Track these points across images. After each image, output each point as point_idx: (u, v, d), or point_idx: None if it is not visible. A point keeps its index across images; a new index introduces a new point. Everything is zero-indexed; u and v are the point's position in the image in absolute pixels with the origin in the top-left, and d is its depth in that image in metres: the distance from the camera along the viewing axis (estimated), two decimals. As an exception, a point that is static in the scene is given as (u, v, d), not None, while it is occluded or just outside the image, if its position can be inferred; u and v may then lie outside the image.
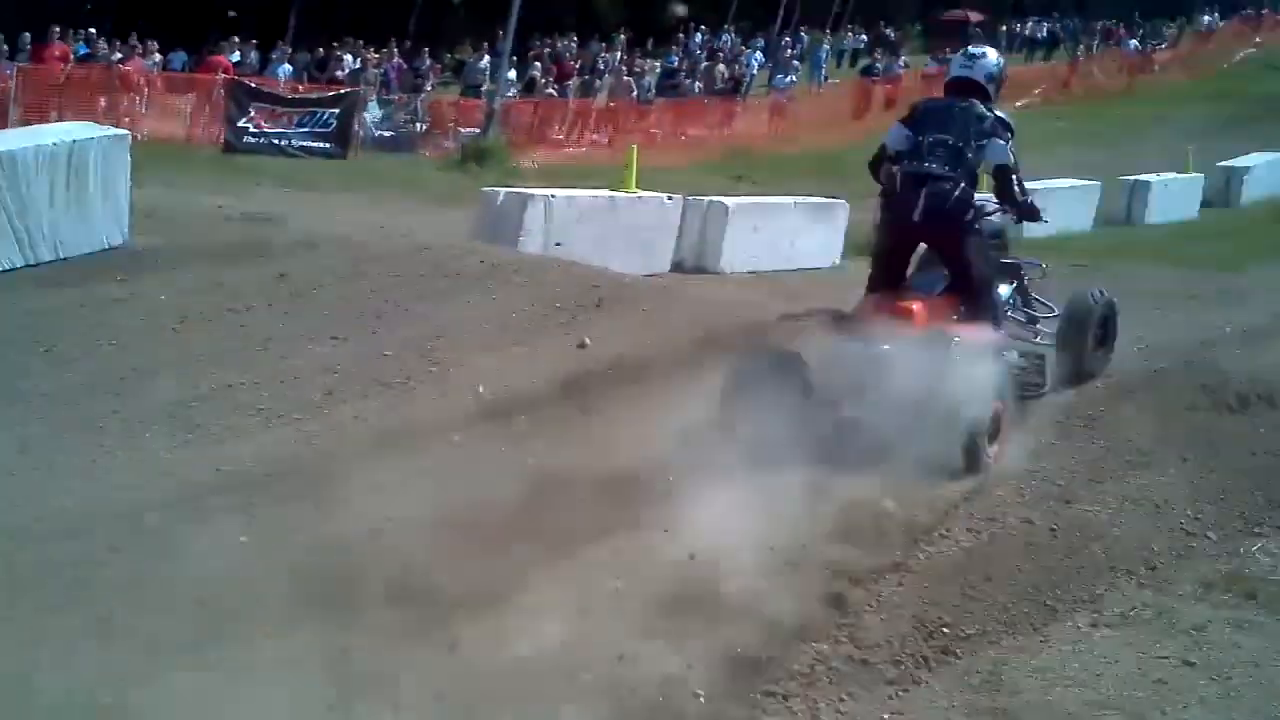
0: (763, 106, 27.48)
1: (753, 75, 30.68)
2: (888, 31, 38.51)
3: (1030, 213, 6.02)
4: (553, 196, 10.63)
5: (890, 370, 5.03)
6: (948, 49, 36.75)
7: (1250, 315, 9.40)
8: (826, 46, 34.29)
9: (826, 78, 32.15)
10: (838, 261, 12.72)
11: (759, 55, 32.18)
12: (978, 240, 5.70)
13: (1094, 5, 46.59)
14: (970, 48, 6.38)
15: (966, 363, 5.16)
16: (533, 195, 10.55)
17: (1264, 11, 46.13)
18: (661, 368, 6.17)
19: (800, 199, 13.44)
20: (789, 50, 32.71)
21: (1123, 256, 13.50)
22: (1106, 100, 30.89)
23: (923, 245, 5.85)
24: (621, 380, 6.14)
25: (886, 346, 5.19)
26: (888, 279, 5.81)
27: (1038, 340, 6.47)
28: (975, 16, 44.73)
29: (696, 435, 5.02)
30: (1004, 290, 6.16)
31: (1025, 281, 6.56)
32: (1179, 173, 18.76)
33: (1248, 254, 13.85)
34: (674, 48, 31.57)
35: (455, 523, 4.13)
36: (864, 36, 37.57)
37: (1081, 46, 39.31)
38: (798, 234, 12.61)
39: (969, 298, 5.68)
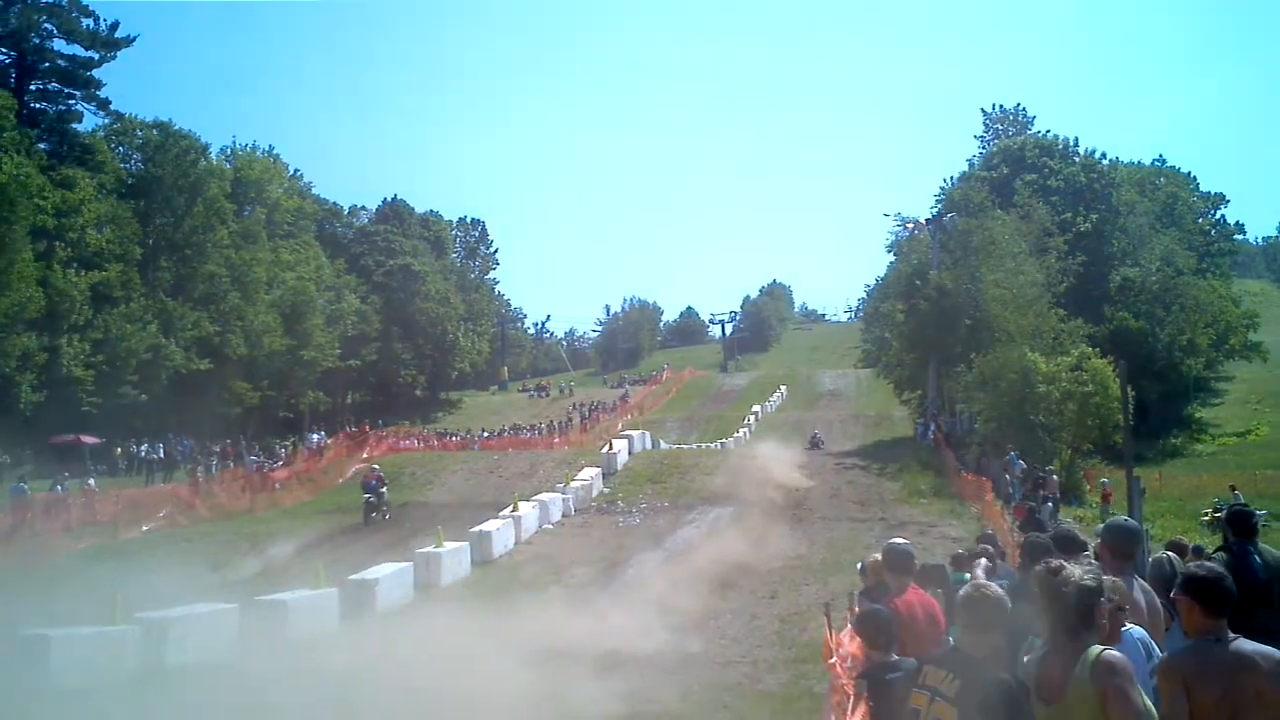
0: None
1: None
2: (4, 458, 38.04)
3: None
4: None
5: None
6: (66, 474, 37.37)
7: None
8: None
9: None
10: None
11: None
12: None
13: (209, 425, 50.57)
14: None
15: None
16: None
17: (368, 429, 54.18)
18: None
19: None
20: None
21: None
22: (233, 519, 33.07)
23: None
24: None
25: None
26: None
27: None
28: (90, 439, 45.54)
29: None
30: None
31: None
32: (312, 589, 20.81)
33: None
34: None
35: None
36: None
37: (200, 467, 42.07)
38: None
39: None
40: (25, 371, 45.50)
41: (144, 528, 31.21)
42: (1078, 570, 4.54)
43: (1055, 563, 4.63)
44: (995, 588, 5.56)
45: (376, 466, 36.52)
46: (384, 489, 32.98)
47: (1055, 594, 4.45)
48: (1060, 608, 4.44)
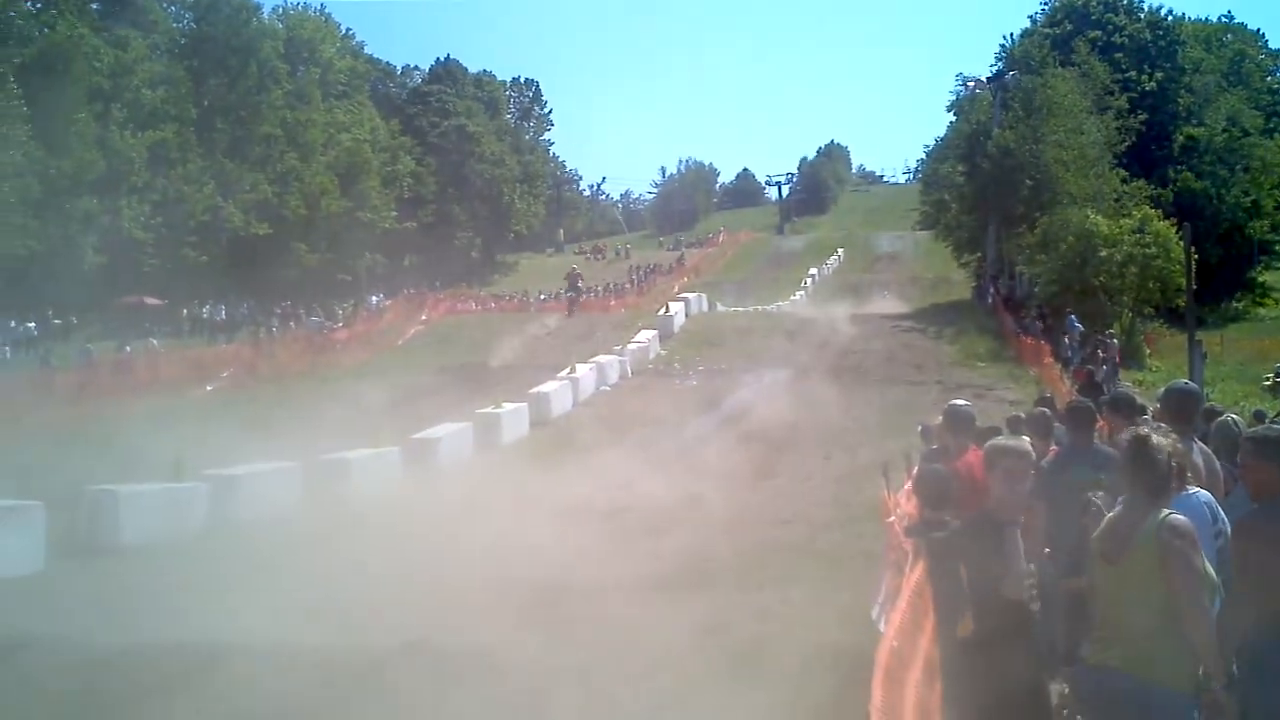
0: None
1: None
2: (57, 321, 38.90)
3: None
4: None
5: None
6: (134, 334, 38.16)
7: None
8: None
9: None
10: (41, 567, 12.67)
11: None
12: None
13: (269, 287, 51.04)
14: None
15: None
16: None
17: (425, 291, 54.55)
18: None
19: (-24, 502, 12.96)
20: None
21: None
22: (295, 378, 33.59)
23: None
24: None
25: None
26: None
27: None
28: (153, 301, 46.27)
29: None
30: None
31: None
32: (374, 448, 21.19)
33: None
34: None
35: None
36: (33, 324, 37.30)
37: (263, 329, 42.72)
38: (-15, 541, 12.09)
39: None
40: (88, 234, 46.05)
41: (208, 387, 31.85)
42: (1166, 439, 4.49)
43: (1144, 429, 4.57)
44: (1020, 440, 5.53)
45: (575, 267, 52.47)
46: (580, 284, 47.79)
47: (1144, 459, 4.41)
48: (1147, 473, 4.40)
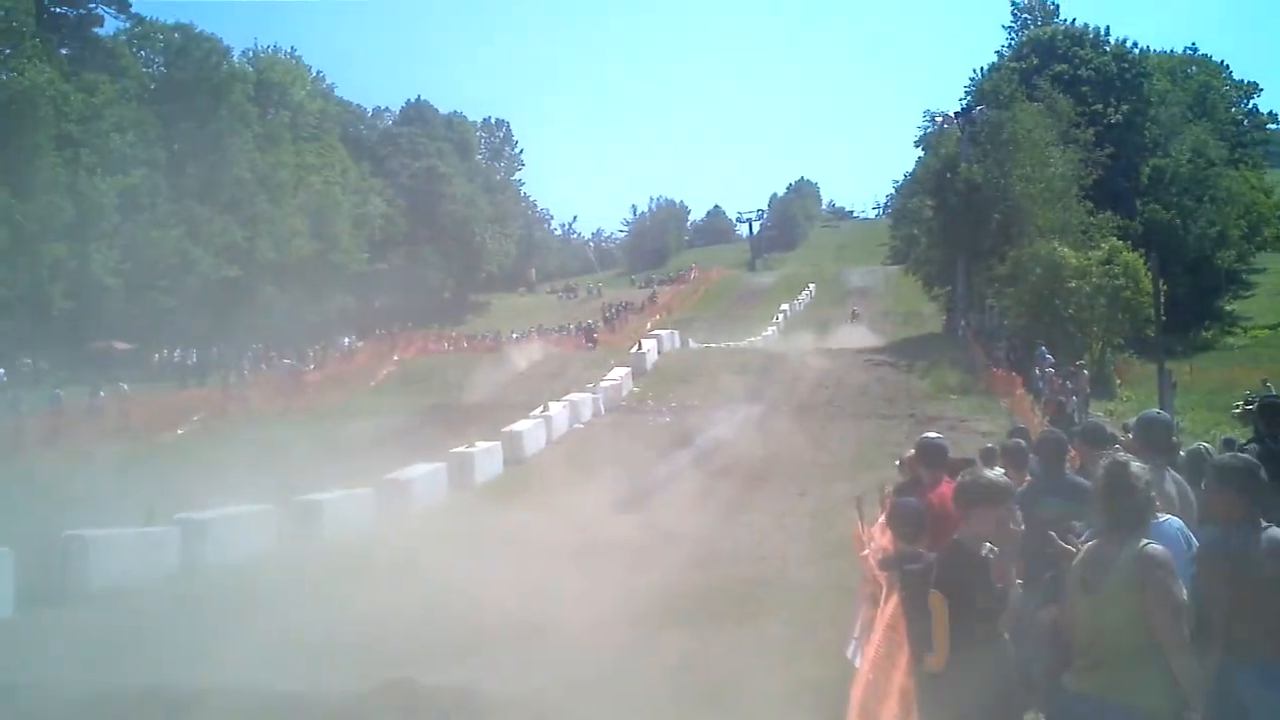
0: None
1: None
2: (27, 360, 38.71)
3: None
4: None
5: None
6: (104, 380, 37.87)
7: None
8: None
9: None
10: (11, 613, 12.64)
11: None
12: None
13: (240, 330, 50.85)
14: None
15: None
16: None
17: (397, 332, 54.42)
18: None
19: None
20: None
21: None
22: (267, 421, 33.33)
23: None
24: None
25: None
26: None
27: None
28: (123, 346, 45.99)
29: None
30: None
31: None
32: (347, 489, 21.08)
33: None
34: None
35: None
36: (2, 370, 37.26)
37: (233, 372, 42.55)
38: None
39: None
40: (57, 280, 45.78)
41: (179, 431, 31.61)
42: (1144, 467, 4.54)
43: (1122, 458, 4.62)
44: (996, 475, 5.58)
45: (590, 322, 60.62)
46: (595, 334, 53.61)
47: (1122, 488, 4.44)
48: (1125, 502, 4.43)
